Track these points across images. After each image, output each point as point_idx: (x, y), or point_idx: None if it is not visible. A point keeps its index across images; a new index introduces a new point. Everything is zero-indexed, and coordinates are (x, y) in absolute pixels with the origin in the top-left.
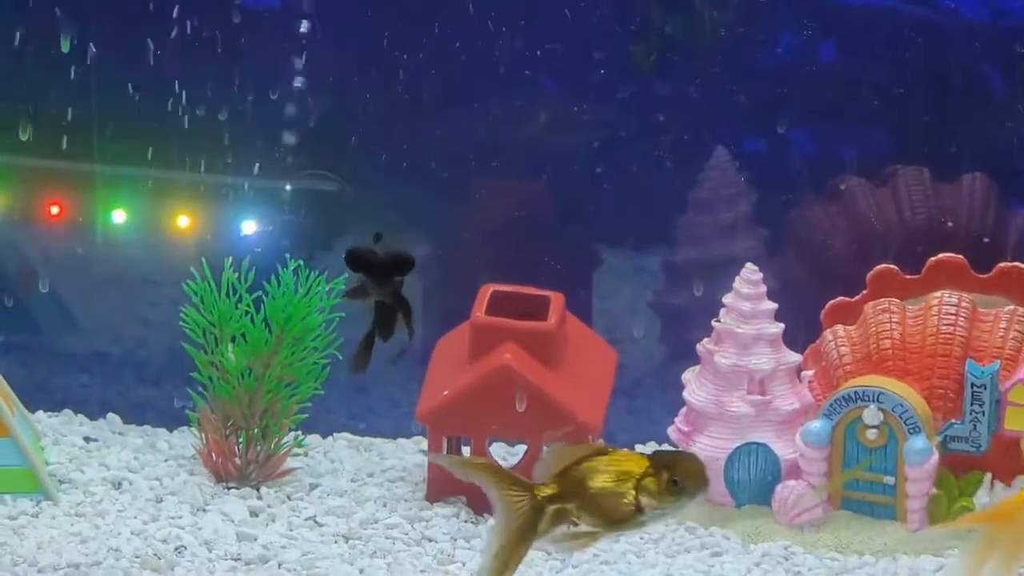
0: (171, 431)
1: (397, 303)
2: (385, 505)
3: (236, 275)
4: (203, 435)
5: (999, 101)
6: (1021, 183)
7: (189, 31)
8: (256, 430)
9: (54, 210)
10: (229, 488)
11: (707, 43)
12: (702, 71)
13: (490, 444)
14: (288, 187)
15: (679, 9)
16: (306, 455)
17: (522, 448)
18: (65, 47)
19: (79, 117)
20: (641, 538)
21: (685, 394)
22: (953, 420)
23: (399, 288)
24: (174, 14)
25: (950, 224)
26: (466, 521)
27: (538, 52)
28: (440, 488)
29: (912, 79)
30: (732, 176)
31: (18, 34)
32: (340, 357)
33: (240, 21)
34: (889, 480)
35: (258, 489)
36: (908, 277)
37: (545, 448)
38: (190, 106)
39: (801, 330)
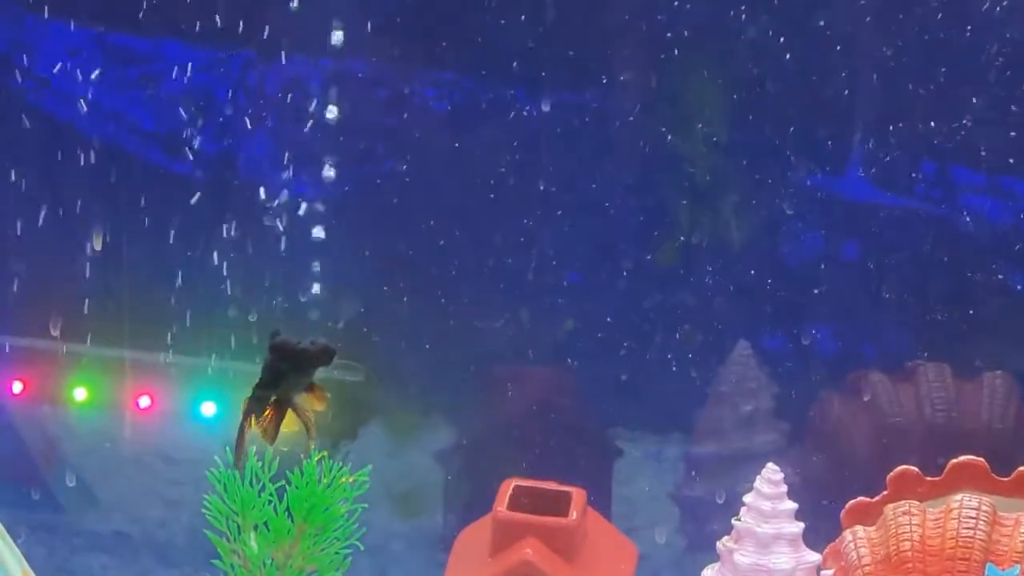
0: None
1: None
2: None
3: (260, 464)
4: None
5: (1021, 300)
6: None
7: (213, 221)
8: None
9: (79, 395)
10: None
11: (730, 240)
12: (725, 267)
13: None
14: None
15: (703, 208)
16: None
17: None
18: (98, 245)
19: (104, 302)
20: None
21: None
22: None
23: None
24: (194, 200)
25: (971, 423)
26: None
27: (561, 246)
28: None
29: (936, 278)
30: (753, 370)
31: (45, 224)
32: (362, 548)
33: (265, 216)
34: None
35: None
36: (929, 479)
37: None
38: (216, 296)
39: (821, 529)
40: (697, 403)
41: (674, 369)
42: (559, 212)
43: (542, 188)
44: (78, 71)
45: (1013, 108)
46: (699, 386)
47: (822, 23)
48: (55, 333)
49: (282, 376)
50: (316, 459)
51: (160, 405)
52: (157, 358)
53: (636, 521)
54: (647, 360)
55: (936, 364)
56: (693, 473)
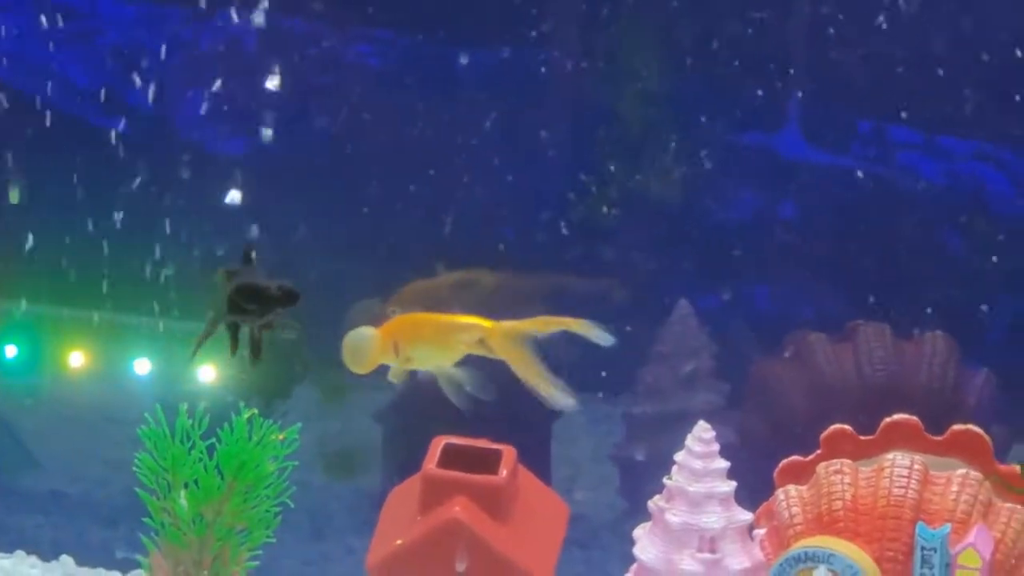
0: (125, 574)
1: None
2: None
3: (190, 421)
4: None
5: (957, 260)
6: (979, 343)
7: (145, 179)
8: (207, 575)
9: (11, 351)
10: None
11: (667, 198)
12: (662, 226)
13: None
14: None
15: (641, 164)
16: None
17: None
18: (14, 199)
19: (41, 260)
20: None
21: (635, 550)
22: None
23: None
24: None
25: (909, 383)
26: None
27: (497, 202)
28: None
29: (872, 237)
30: (693, 330)
31: None
32: (292, 505)
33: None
34: None
35: None
36: (862, 438)
37: None
38: (154, 250)
39: (759, 487)
40: (637, 364)
41: (613, 329)
42: (494, 167)
43: (475, 143)
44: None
45: (950, 66)
46: (639, 346)
47: None
48: None
49: (245, 313)
50: (246, 416)
51: (92, 363)
52: (89, 315)
53: (577, 482)
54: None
55: (874, 324)
56: (633, 434)
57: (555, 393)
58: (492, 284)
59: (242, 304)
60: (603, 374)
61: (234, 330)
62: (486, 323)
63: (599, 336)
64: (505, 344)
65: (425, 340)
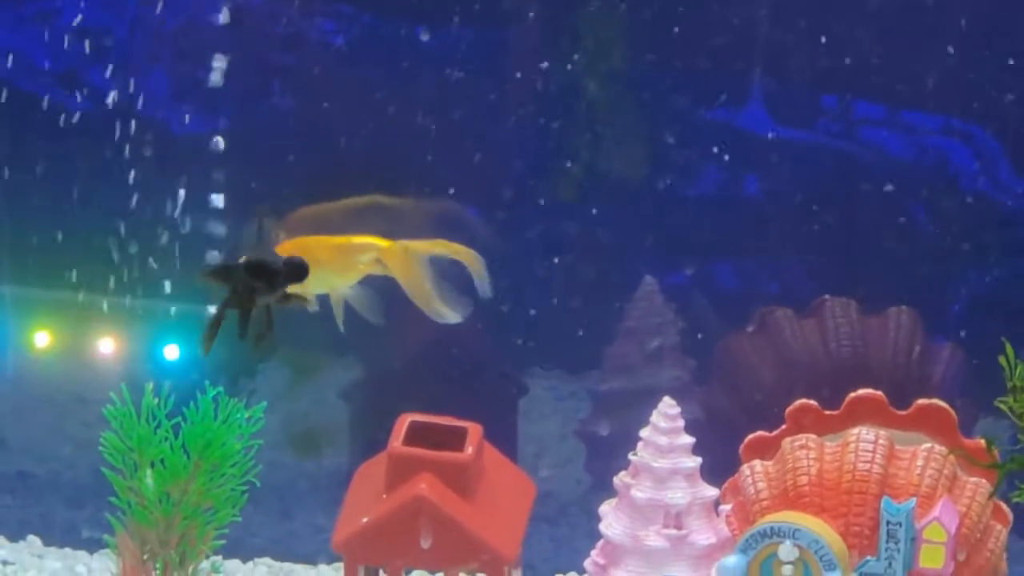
0: (92, 554)
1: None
2: None
3: (156, 401)
4: (120, 560)
5: (923, 235)
6: (944, 317)
7: (108, 158)
8: (173, 554)
9: None
10: None
11: (632, 174)
12: (628, 203)
13: (408, 574)
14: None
15: (605, 142)
16: None
17: None
18: None
19: (3, 240)
20: None
21: (601, 527)
22: (869, 557)
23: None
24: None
25: (874, 358)
26: None
27: (460, 180)
28: None
29: (837, 212)
30: (659, 307)
31: None
32: (258, 484)
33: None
34: None
35: None
36: (827, 413)
37: None
38: (122, 229)
39: (727, 463)
40: (604, 341)
41: (580, 304)
42: (460, 145)
43: (446, 119)
44: None
45: (916, 40)
46: (606, 323)
47: None
48: None
49: (255, 291)
50: (211, 395)
51: (59, 343)
52: (55, 295)
53: (543, 459)
54: (551, 295)
55: (840, 299)
56: (600, 410)
57: (442, 310)
58: (391, 208)
59: (252, 282)
60: (569, 351)
61: (244, 312)
62: (382, 242)
63: (482, 278)
64: (401, 263)
65: (319, 263)
